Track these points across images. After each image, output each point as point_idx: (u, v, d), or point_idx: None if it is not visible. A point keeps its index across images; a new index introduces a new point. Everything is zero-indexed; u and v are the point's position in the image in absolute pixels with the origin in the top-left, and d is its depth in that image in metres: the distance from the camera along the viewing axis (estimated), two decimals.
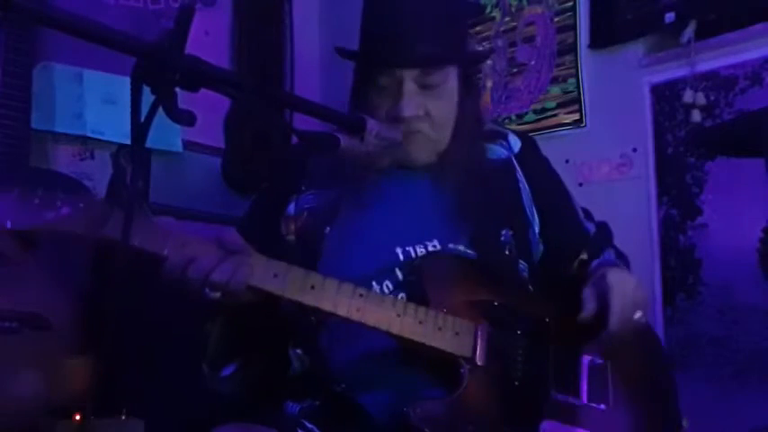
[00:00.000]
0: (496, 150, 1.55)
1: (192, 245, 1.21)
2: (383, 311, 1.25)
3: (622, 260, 1.57)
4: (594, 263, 1.52)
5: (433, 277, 1.34)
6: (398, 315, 1.26)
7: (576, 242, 1.55)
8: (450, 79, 1.44)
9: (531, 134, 1.73)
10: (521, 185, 1.52)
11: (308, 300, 1.23)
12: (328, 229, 1.42)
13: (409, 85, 1.40)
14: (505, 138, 1.58)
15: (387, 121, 1.38)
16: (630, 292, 1.35)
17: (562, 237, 1.53)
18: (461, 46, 1.52)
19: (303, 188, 1.48)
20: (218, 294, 1.22)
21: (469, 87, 1.51)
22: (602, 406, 1.35)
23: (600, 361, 1.38)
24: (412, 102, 1.39)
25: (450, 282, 1.36)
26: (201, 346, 1.40)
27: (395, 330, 1.25)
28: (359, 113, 1.34)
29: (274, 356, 1.43)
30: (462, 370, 1.27)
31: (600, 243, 1.57)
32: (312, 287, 1.23)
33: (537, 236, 1.50)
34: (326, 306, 1.23)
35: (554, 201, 1.56)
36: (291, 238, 1.45)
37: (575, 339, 1.36)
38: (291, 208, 1.47)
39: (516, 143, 1.58)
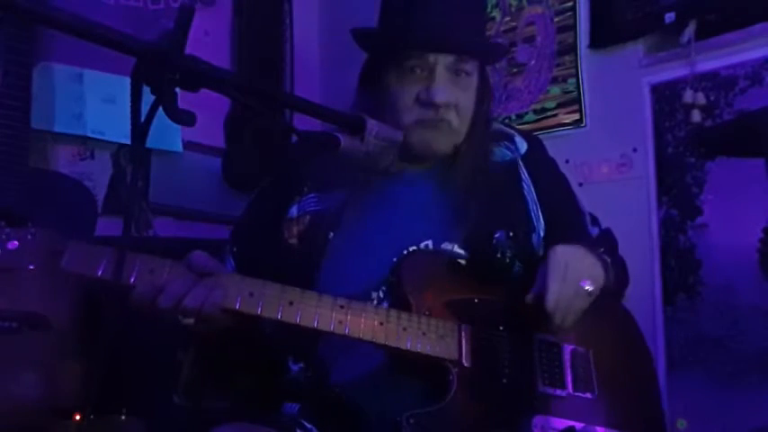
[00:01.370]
0: (501, 152, 1.54)
1: (160, 270, 1.17)
2: (366, 322, 1.24)
3: (615, 262, 1.53)
4: None
5: (411, 277, 1.33)
6: (381, 323, 1.25)
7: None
8: (474, 73, 1.44)
9: None
10: (525, 189, 1.50)
11: (288, 317, 1.21)
12: (332, 234, 1.40)
13: (442, 72, 1.39)
14: (511, 139, 1.57)
15: (412, 105, 1.38)
16: (574, 262, 1.32)
17: (565, 240, 1.50)
18: (486, 38, 1.53)
19: (305, 189, 1.45)
20: (191, 320, 1.18)
21: (486, 86, 1.51)
22: (589, 395, 1.35)
23: (581, 349, 1.38)
24: (446, 88, 1.39)
25: (429, 280, 1.35)
26: (173, 375, 1.36)
27: (380, 340, 1.24)
28: (375, 94, 1.33)
29: (266, 373, 1.40)
30: (450, 376, 1.26)
31: (596, 245, 1.55)
32: (291, 303, 1.21)
33: (541, 241, 1.48)
34: (307, 322, 1.21)
35: (559, 204, 1.55)
36: (293, 241, 1.42)
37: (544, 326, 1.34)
38: (294, 210, 1.44)
39: (523, 144, 1.56)
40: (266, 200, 1.52)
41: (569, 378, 1.35)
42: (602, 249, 1.53)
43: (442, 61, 1.39)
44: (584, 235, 1.56)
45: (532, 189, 1.51)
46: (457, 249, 1.40)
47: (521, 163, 1.53)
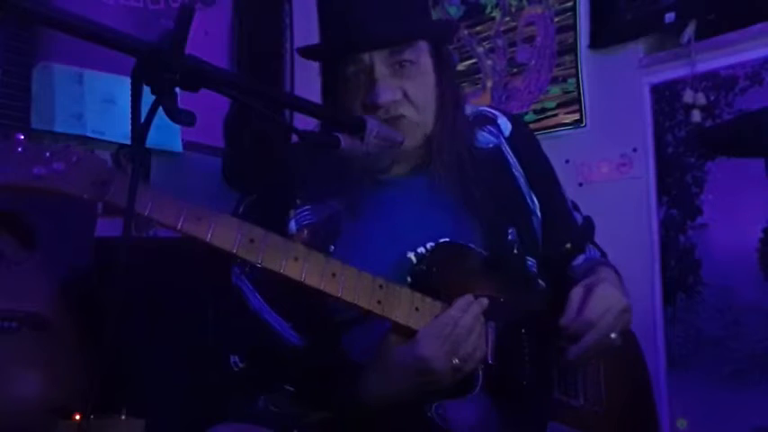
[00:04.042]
0: (485, 137, 1.49)
1: (208, 218, 1.17)
2: (403, 304, 1.22)
3: (604, 257, 1.55)
4: (580, 258, 1.50)
5: (442, 268, 1.30)
6: (417, 309, 1.23)
7: (565, 231, 1.51)
8: (422, 56, 1.37)
9: None
10: (516, 174, 1.48)
11: (330, 288, 1.18)
12: (332, 247, 1.35)
13: (381, 70, 1.33)
14: (494, 122, 1.52)
15: (363, 112, 1.32)
16: (614, 314, 1.29)
17: (553, 223, 1.49)
18: (427, 19, 1.46)
19: (298, 202, 1.41)
20: None
21: (443, 64, 1.43)
22: (598, 408, 1.35)
23: (593, 363, 1.38)
24: (387, 86, 1.32)
25: (461, 274, 1.32)
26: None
27: (414, 325, 1.22)
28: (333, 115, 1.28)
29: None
30: (477, 371, 1.25)
31: (585, 236, 1.55)
32: (333, 275, 1.19)
33: (540, 221, 1.46)
34: (348, 296, 1.19)
35: (547, 186, 1.53)
36: None
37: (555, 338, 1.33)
38: (293, 225, 1.40)
39: (507, 126, 1.51)
40: (260, 215, 1.44)
41: (582, 390, 1.35)
42: (593, 246, 1.53)
43: (379, 59, 1.32)
44: (569, 219, 1.54)
45: (522, 172, 1.48)
46: (480, 250, 1.37)
47: (506, 145, 1.49)
